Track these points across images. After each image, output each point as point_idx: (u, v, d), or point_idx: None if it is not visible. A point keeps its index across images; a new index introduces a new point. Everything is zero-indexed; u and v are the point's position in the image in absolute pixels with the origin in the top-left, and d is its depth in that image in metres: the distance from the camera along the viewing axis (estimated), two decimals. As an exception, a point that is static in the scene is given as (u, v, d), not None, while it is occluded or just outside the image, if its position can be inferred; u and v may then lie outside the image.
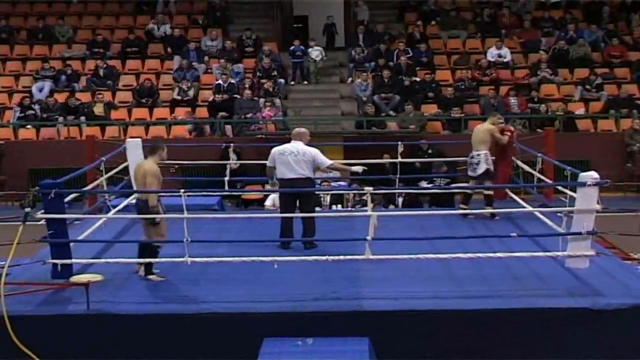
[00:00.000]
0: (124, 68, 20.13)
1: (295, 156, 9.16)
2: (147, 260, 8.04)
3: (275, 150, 9.34)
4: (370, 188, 8.43)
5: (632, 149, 17.30)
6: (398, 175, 12.36)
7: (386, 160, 13.57)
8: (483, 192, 10.71)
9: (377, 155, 13.64)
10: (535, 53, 20.01)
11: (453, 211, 10.85)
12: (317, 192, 11.99)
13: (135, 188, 8.83)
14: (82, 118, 18.06)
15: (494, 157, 10.79)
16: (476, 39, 20.93)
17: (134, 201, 9.09)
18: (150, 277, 8.05)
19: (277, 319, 7.17)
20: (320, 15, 22.29)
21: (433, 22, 21.38)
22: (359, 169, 9.70)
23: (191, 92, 18.82)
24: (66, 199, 8.16)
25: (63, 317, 7.28)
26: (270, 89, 18.48)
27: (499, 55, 19.84)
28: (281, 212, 9.42)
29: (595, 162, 14.55)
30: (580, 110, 18.56)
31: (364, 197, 9.67)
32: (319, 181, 12.52)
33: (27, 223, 7.49)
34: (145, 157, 8.75)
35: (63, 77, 19.38)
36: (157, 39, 20.71)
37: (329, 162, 9.40)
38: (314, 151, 9.28)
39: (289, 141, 9.49)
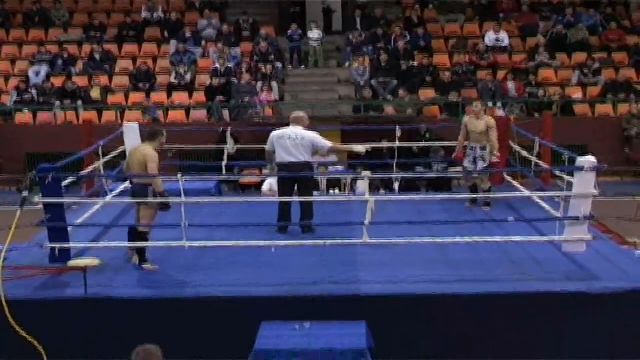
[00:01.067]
0: (121, 52, 20.06)
1: (293, 141, 9.13)
2: (142, 244, 8.02)
3: (274, 134, 9.32)
4: (368, 172, 8.43)
5: (630, 134, 17.31)
6: (396, 160, 12.36)
7: (384, 145, 13.55)
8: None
9: (374, 139, 13.63)
10: (533, 37, 19.98)
11: (450, 195, 10.84)
12: (315, 177, 11.97)
13: (126, 171, 8.66)
14: (79, 102, 18.02)
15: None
16: (474, 23, 20.87)
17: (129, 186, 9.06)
18: (145, 266, 8.03)
19: (275, 303, 7.19)
20: (317, -1, 22.20)
21: (431, 6, 21.33)
22: (361, 149, 9.65)
23: (188, 77, 18.78)
24: (63, 184, 8.15)
25: (61, 301, 7.29)
26: (268, 73, 18.44)
27: (497, 40, 19.79)
28: (280, 197, 9.42)
29: (592, 146, 14.55)
30: (577, 94, 18.54)
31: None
32: (316, 165, 12.52)
33: (24, 207, 7.49)
34: (143, 141, 8.68)
35: (59, 61, 19.32)
36: (154, 23, 20.63)
37: (329, 144, 9.38)
38: (313, 135, 9.25)
39: (286, 125, 9.47)
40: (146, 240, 8.00)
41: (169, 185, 8.52)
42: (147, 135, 8.44)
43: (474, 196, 10.52)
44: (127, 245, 8.20)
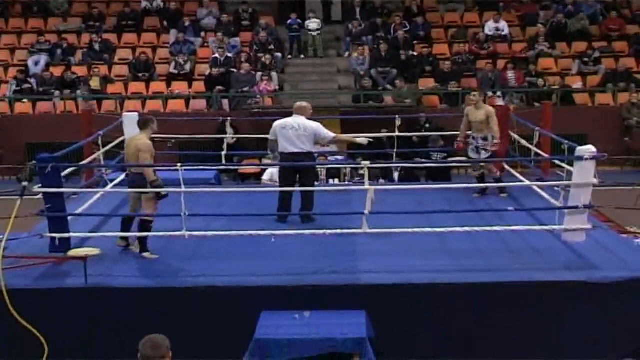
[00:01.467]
0: (120, 42, 20.03)
1: (296, 131, 9.13)
2: (131, 234, 8.08)
3: (277, 124, 9.31)
4: (368, 162, 8.43)
5: (630, 123, 17.31)
6: (395, 150, 12.36)
7: (384, 134, 13.55)
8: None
9: (374, 129, 13.62)
10: (533, 26, 19.93)
11: (450, 185, 10.83)
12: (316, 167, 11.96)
13: (127, 162, 8.69)
14: (79, 92, 18.01)
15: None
16: (474, 12, 20.84)
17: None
18: (145, 254, 8.04)
19: (275, 293, 7.20)
20: (317, -12, 22.15)
21: (430, -4, 21.32)
22: (364, 141, 9.68)
23: (188, 66, 18.76)
24: (63, 173, 8.15)
25: (61, 290, 7.30)
26: (267, 63, 18.41)
27: (497, 29, 19.76)
28: (281, 186, 9.42)
29: (592, 136, 14.53)
30: (577, 84, 18.52)
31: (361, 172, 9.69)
32: (316, 155, 12.52)
33: (24, 197, 7.49)
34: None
35: (59, 51, 19.30)
36: (153, 13, 20.59)
37: (332, 135, 9.39)
38: (316, 126, 9.25)
39: (286, 115, 9.47)
40: (149, 229, 8.01)
41: (169, 174, 8.53)
42: (140, 124, 8.46)
43: (472, 185, 10.51)
44: (124, 235, 8.22)
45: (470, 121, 10.46)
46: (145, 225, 8.01)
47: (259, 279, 7.38)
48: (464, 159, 10.98)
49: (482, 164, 10.47)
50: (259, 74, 18.12)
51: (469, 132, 10.57)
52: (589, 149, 7.72)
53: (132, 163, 8.13)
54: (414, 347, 7.20)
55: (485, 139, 10.33)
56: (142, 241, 8.06)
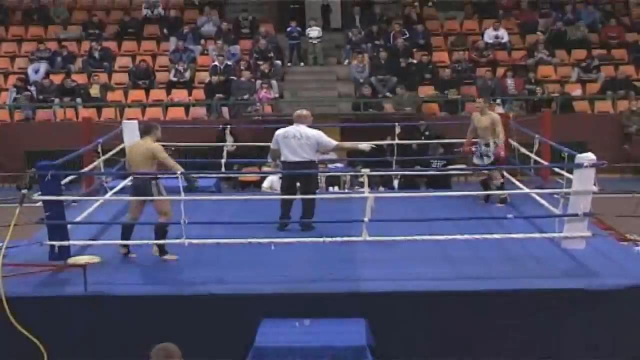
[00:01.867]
0: (120, 49, 20.06)
1: (298, 140, 9.13)
2: (126, 242, 8.11)
3: (278, 132, 9.30)
4: (367, 170, 8.43)
5: (629, 131, 17.32)
6: (395, 157, 12.36)
7: (384, 142, 13.55)
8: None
9: (373, 136, 13.63)
10: (533, 34, 19.97)
11: (449, 192, 10.83)
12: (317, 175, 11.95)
13: (129, 169, 8.60)
14: (78, 100, 18.02)
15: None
16: (473, 20, 20.88)
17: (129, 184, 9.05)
18: (166, 257, 8.06)
19: (275, 300, 7.19)
20: (316, -4, 22.17)
21: (430, 3, 21.32)
22: (367, 147, 9.67)
23: (187, 74, 18.78)
24: (63, 181, 8.15)
25: (61, 298, 7.29)
26: (267, 71, 18.43)
27: (496, 37, 19.79)
28: (281, 194, 9.41)
29: (592, 143, 14.51)
30: (577, 91, 18.54)
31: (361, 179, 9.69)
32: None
33: (24, 205, 7.49)
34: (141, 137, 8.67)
35: (59, 59, 19.32)
36: (153, 21, 20.63)
37: (334, 142, 9.39)
38: (318, 134, 9.24)
39: (286, 123, 9.47)
40: (166, 231, 8.02)
41: (169, 182, 8.52)
42: (143, 130, 8.46)
43: (472, 193, 10.52)
44: (131, 242, 8.22)
45: (476, 127, 10.55)
46: (163, 229, 8.01)
47: (259, 286, 7.38)
48: (463, 166, 10.97)
49: (485, 170, 10.51)
50: (259, 81, 18.14)
51: (474, 140, 10.63)
52: (588, 157, 7.73)
53: (135, 169, 8.14)
54: (414, 355, 7.18)
55: (487, 145, 10.41)
56: (161, 244, 8.06)
